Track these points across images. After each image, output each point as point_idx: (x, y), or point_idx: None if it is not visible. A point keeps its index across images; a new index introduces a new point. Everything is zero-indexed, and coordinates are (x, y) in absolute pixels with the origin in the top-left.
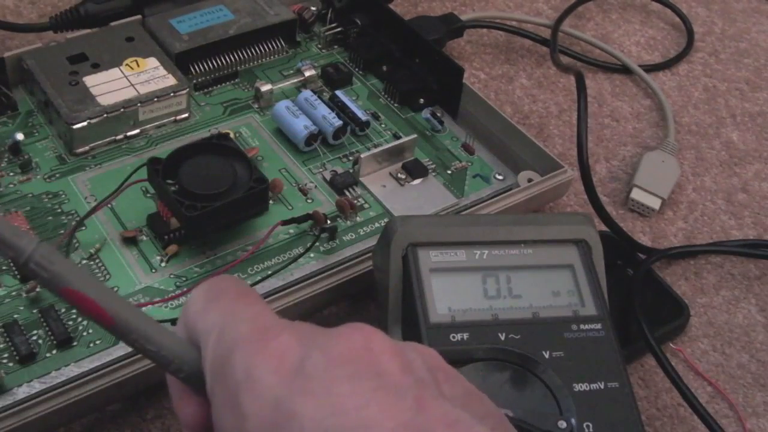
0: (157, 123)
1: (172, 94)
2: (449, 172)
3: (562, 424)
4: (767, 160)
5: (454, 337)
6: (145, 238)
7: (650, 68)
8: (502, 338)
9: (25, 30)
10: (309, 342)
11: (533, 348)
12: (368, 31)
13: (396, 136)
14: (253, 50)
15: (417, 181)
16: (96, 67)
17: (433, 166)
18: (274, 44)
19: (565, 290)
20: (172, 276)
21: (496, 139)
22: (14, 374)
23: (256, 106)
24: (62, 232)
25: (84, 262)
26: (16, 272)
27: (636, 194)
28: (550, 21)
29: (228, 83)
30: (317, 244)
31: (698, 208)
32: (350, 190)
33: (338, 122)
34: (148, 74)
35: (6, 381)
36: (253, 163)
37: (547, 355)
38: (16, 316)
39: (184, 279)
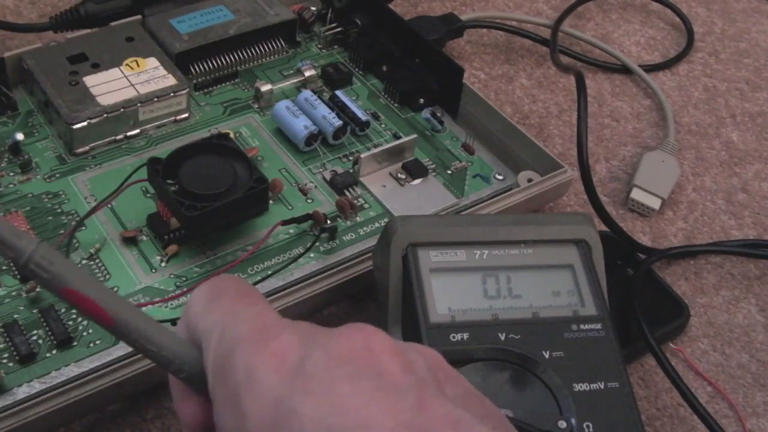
0: (157, 123)
1: (172, 94)
2: (449, 172)
3: (562, 424)
4: (767, 160)
5: (454, 337)
6: (145, 238)
7: (650, 68)
8: (502, 338)
9: (25, 30)
10: (310, 341)
11: (533, 348)
12: (368, 31)
13: (396, 136)
14: (253, 50)
15: (417, 181)
16: (96, 67)
17: (433, 166)
18: (274, 44)
19: (565, 290)
20: (172, 276)
21: (496, 139)
22: (14, 374)
23: (256, 106)
24: (62, 232)
25: (84, 262)
26: (16, 272)
27: (636, 194)
28: (550, 21)
29: (228, 83)
30: (317, 244)
31: (698, 208)
32: (350, 190)
33: (338, 122)
34: (148, 74)
35: (6, 381)
36: (253, 163)
37: (547, 355)
38: (16, 316)
39: (184, 279)
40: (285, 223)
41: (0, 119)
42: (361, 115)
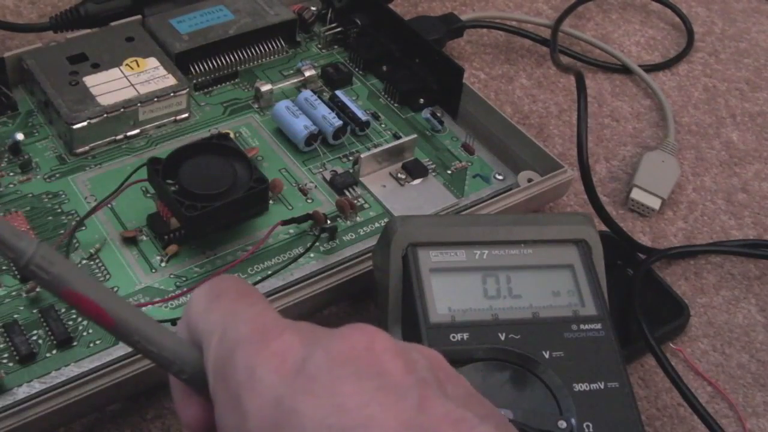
0: (157, 123)
1: (172, 94)
2: (449, 172)
3: (562, 424)
4: (767, 160)
5: (454, 337)
6: (145, 238)
7: (650, 68)
8: (502, 338)
9: (25, 30)
10: (311, 341)
11: (533, 348)
12: (368, 31)
13: (396, 136)
14: (253, 50)
15: (417, 181)
16: (96, 67)
17: (433, 166)
18: (274, 44)
19: (565, 290)
20: (172, 276)
21: (496, 139)
22: (14, 374)
23: (256, 106)
24: (62, 232)
25: (84, 262)
26: (16, 272)
27: (636, 194)
28: (550, 21)
29: (228, 83)
30: (317, 244)
31: (698, 208)
32: (350, 190)
33: (338, 122)
34: (148, 74)
35: (6, 381)
36: (253, 163)
37: (547, 355)
38: (16, 316)
39: (184, 279)
40: (285, 223)
41: (0, 119)
42: (361, 115)
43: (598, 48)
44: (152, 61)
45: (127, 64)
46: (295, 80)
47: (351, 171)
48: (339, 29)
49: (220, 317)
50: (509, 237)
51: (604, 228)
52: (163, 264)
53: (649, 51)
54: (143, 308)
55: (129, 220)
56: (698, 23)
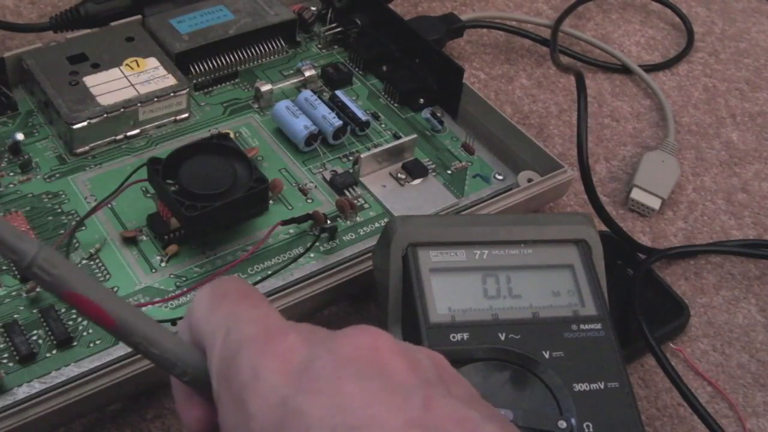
0: (157, 123)
1: (172, 94)
2: (449, 172)
3: (562, 424)
4: (767, 160)
5: (454, 337)
6: (145, 238)
7: (650, 68)
8: (502, 338)
9: (25, 30)
10: (315, 342)
11: (533, 348)
12: (368, 31)
13: (396, 136)
14: (253, 50)
15: (417, 181)
16: (96, 67)
17: (433, 166)
18: (274, 44)
19: (565, 290)
20: (172, 276)
21: (496, 139)
22: (14, 374)
23: (256, 106)
24: (62, 232)
25: (84, 262)
26: (16, 272)
27: (636, 194)
28: (550, 21)
29: (228, 83)
30: (317, 244)
31: (698, 208)
32: (350, 190)
33: (338, 122)
34: (148, 74)
35: (6, 381)
36: (253, 163)
37: (547, 355)
38: (16, 316)
39: (184, 279)
40: (285, 223)
41: (0, 119)
42: (361, 115)
43: (598, 48)
44: (152, 61)
45: (127, 64)
46: (295, 80)
47: (351, 171)
48: (339, 29)
49: (223, 318)
50: (509, 237)
51: (604, 228)
52: (163, 264)
53: (649, 51)
54: (143, 308)
55: (129, 220)
56: (698, 23)
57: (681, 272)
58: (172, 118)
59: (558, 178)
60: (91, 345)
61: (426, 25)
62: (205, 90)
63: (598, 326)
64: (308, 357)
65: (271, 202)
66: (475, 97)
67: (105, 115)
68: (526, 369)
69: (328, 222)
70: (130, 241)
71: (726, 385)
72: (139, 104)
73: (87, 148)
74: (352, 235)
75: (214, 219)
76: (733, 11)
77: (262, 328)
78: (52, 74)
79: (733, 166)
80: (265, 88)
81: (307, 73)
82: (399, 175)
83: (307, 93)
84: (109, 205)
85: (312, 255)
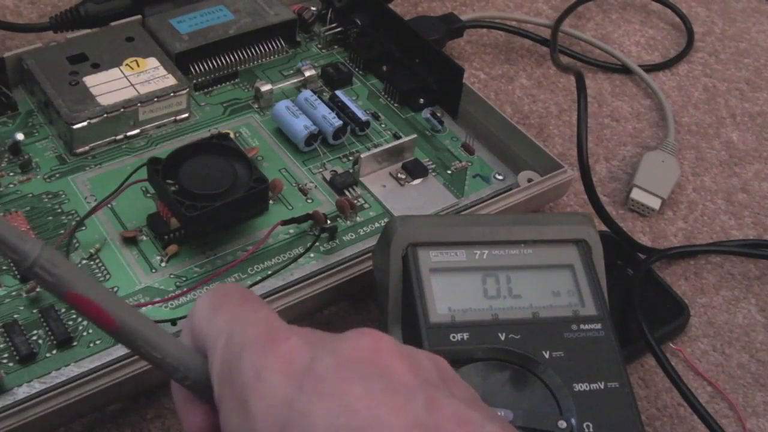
0: (157, 123)
1: (172, 94)
2: (449, 172)
3: (562, 424)
4: (767, 160)
5: (454, 337)
6: (145, 238)
7: (650, 68)
8: (502, 338)
9: (25, 30)
10: (317, 345)
11: (533, 348)
12: (368, 31)
13: (396, 136)
14: (253, 50)
15: (417, 181)
16: (96, 67)
17: (433, 166)
18: (274, 44)
19: (565, 290)
20: (172, 276)
21: (496, 139)
22: (14, 374)
23: (256, 106)
24: (62, 232)
25: (84, 262)
26: (16, 272)
27: (636, 194)
28: (550, 21)
29: (228, 83)
30: (317, 244)
31: (698, 208)
32: (350, 190)
33: (338, 122)
34: (148, 74)
35: (6, 381)
36: (253, 163)
37: (547, 355)
38: (16, 316)
39: (184, 279)
40: (285, 223)
41: (0, 119)
42: (361, 115)
43: (598, 48)
44: (152, 61)
45: (127, 64)
46: (295, 80)
47: (351, 171)
48: (339, 29)
49: (225, 322)
50: (509, 237)
51: (604, 228)
52: (163, 264)
53: (649, 51)
54: (143, 308)
55: (129, 220)
56: (698, 23)
57: (681, 272)
58: (172, 118)
59: (558, 178)
60: (91, 345)
61: (426, 25)
62: (205, 90)
63: (598, 326)
64: (311, 359)
65: (271, 202)
66: (475, 97)
67: (105, 115)
68: (526, 369)
69: (328, 222)
70: (130, 241)
71: (726, 385)
72: (139, 104)
73: (87, 148)
74: (352, 235)
75: (214, 219)
76: (733, 11)
77: (265, 330)
78: (52, 74)
79: (733, 166)
80: (265, 88)
81: (307, 73)
82: (399, 175)
83: (307, 93)
84: (109, 205)
85: (312, 255)
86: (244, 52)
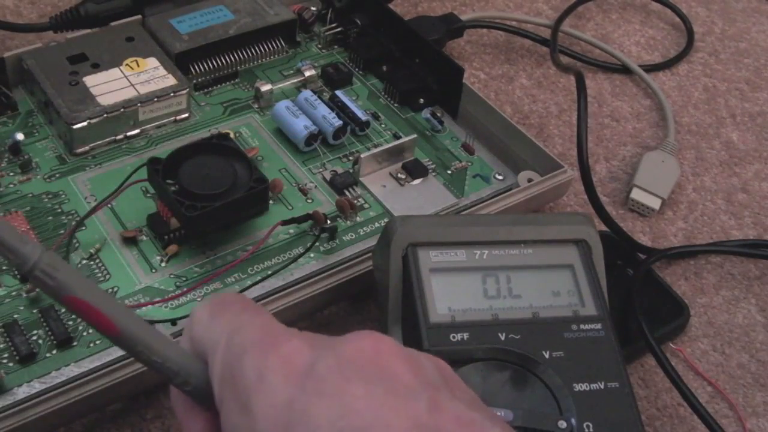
0: (157, 123)
1: (172, 94)
2: (449, 172)
3: (562, 424)
4: (767, 160)
5: (454, 337)
6: (145, 238)
7: (650, 68)
8: (502, 338)
9: (25, 30)
10: (318, 346)
11: (533, 348)
12: (368, 31)
13: (396, 136)
14: (253, 50)
15: (417, 181)
16: (96, 67)
17: (433, 166)
18: (274, 44)
19: (565, 290)
20: (172, 276)
21: (496, 139)
22: (14, 374)
23: (256, 106)
24: (62, 232)
25: (84, 262)
26: (15, 272)
27: (636, 194)
28: (550, 21)
29: (228, 83)
30: (317, 244)
31: (698, 208)
32: (350, 190)
33: (338, 122)
34: (148, 74)
35: (6, 381)
36: (253, 163)
37: (547, 355)
38: (16, 316)
39: (184, 279)
40: (285, 223)
41: (0, 119)
42: (361, 115)
43: (598, 48)
44: (152, 61)
45: (127, 64)
46: (295, 80)
47: (351, 171)
48: (339, 29)
49: (225, 326)
50: (509, 237)
51: (604, 228)
52: (163, 264)
53: (649, 51)
54: (143, 308)
55: (129, 220)
56: (698, 23)
57: (681, 272)
58: (172, 118)
59: (558, 178)
60: (91, 345)
61: (426, 25)
62: (205, 90)
63: (598, 326)
64: (312, 359)
65: (271, 202)
66: (475, 97)
67: (105, 115)
68: (526, 369)
69: (328, 222)
70: (130, 241)
71: (726, 385)
72: (139, 104)
73: (87, 148)
74: (352, 235)
75: (214, 219)
76: (733, 11)
77: (265, 332)
78: (52, 74)
79: (733, 166)
80: (265, 88)
81: (307, 73)
82: (399, 175)
83: (307, 93)
84: (109, 205)
85: (312, 255)
86: (244, 52)
